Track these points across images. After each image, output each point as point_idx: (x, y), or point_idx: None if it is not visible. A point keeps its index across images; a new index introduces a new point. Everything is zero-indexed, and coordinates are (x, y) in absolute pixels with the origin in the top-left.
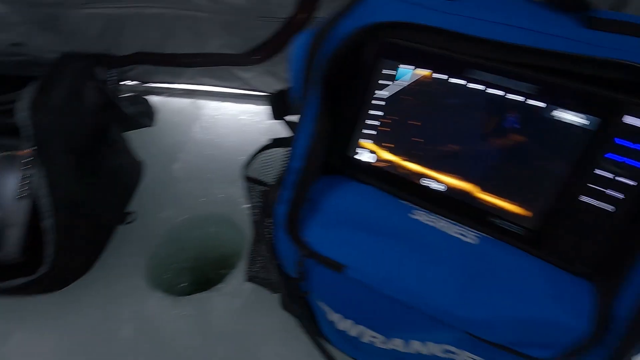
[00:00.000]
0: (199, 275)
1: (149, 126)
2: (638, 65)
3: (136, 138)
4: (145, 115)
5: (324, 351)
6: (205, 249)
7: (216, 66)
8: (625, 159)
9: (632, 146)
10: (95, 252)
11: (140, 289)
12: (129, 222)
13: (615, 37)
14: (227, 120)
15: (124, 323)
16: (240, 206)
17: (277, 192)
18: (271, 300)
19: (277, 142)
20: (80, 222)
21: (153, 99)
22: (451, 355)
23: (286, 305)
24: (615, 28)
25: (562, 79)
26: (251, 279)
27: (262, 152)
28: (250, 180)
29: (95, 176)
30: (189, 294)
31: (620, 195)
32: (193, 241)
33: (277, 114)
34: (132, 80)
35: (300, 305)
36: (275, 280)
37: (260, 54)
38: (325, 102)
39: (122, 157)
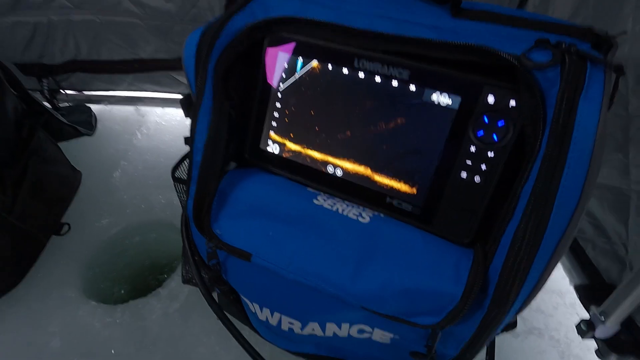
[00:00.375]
0: (138, 282)
1: (89, 135)
2: (489, 49)
3: (75, 147)
4: (84, 124)
5: (244, 346)
6: (145, 256)
7: (154, 72)
8: (485, 133)
9: (492, 122)
10: (23, 266)
11: (72, 300)
12: (63, 233)
13: (476, 24)
14: (172, 127)
15: (53, 336)
16: (181, 210)
17: (188, 187)
18: None
19: (188, 140)
20: (3, 234)
21: (94, 107)
22: (366, 335)
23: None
24: (479, 17)
25: (428, 64)
26: (188, 280)
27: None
28: (178, 181)
29: (19, 187)
30: (127, 301)
31: (484, 167)
32: (132, 248)
33: (188, 113)
34: (70, 90)
35: (231, 301)
36: (195, 274)
37: None
38: (219, 95)
39: (55, 167)
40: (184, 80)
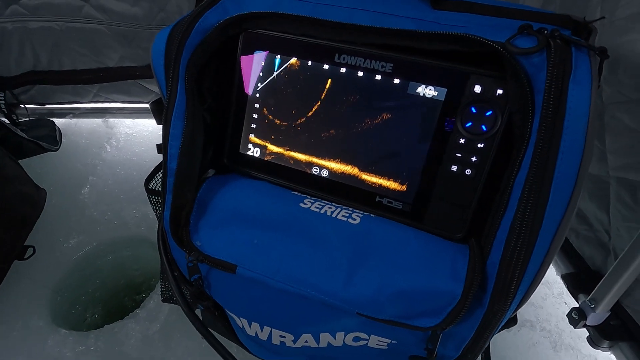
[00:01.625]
0: (113, 304)
1: (53, 151)
2: (473, 37)
3: (38, 164)
4: (47, 139)
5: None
6: (119, 275)
7: (122, 81)
8: (474, 124)
9: (480, 112)
10: None
11: (40, 329)
12: (27, 257)
13: (457, 15)
14: (143, 138)
15: None
16: (157, 224)
17: (164, 198)
18: None
19: (160, 148)
20: None
21: (58, 121)
22: (362, 342)
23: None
24: (459, 7)
25: (411, 55)
26: (168, 299)
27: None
28: (152, 193)
29: None
30: (101, 326)
31: (474, 159)
32: (105, 268)
33: (160, 119)
34: (30, 104)
35: (217, 317)
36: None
37: None
38: (192, 97)
39: (15, 186)
40: (154, 88)
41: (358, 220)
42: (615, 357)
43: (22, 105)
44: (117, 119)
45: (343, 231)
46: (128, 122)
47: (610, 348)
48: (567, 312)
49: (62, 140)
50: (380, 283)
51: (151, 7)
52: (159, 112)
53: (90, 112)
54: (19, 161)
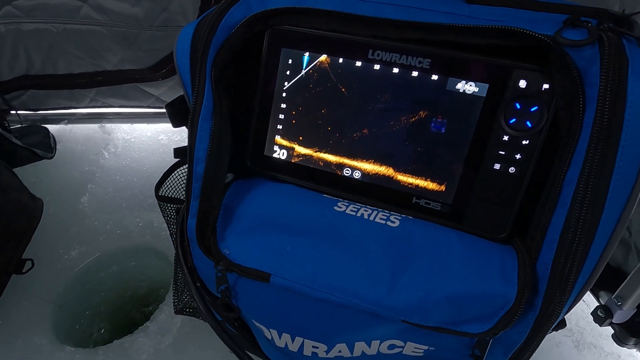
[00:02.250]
0: (120, 318)
1: (48, 158)
2: (520, 30)
3: (33, 173)
4: (42, 146)
5: None
6: (125, 287)
7: (120, 84)
8: (518, 120)
9: (524, 108)
10: None
11: (43, 347)
12: (25, 271)
13: (492, 9)
14: (142, 143)
15: None
16: (163, 232)
17: (188, 204)
18: (206, 331)
19: (179, 152)
20: None
21: (51, 127)
22: (397, 350)
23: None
24: (493, 1)
25: (450, 50)
26: (181, 310)
27: (178, 169)
28: (163, 200)
29: None
30: (110, 341)
31: (518, 156)
32: (109, 280)
33: (178, 122)
34: (21, 109)
35: (237, 328)
36: (200, 305)
37: (168, 66)
38: (219, 97)
39: (10, 195)
40: (154, 92)
41: (397, 222)
42: None
43: (13, 112)
44: (114, 124)
45: (382, 235)
46: (126, 127)
47: (635, 345)
48: (587, 310)
49: (57, 147)
50: (427, 289)
51: (152, 7)
52: (175, 114)
53: (86, 118)
54: (12, 170)
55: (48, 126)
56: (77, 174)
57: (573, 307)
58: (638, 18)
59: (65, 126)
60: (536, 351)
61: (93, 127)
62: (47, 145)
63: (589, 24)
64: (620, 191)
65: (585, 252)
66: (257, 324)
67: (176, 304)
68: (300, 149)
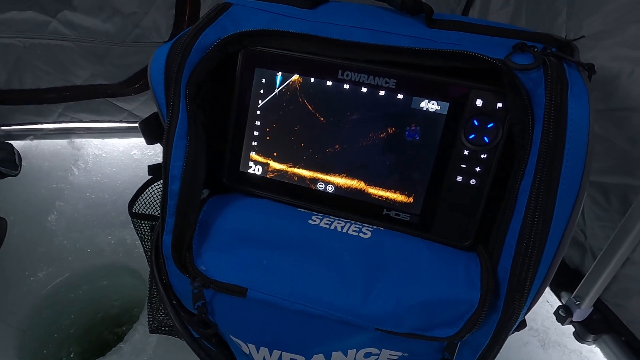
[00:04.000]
0: (91, 340)
1: (13, 176)
2: (476, 54)
3: None
4: (6, 164)
5: None
6: (96, 308)
7: (91, 99)
8: (476, 136)
9: (482, 125)
10: None
11: None
12: None
13: (451, 33)
14: (114, 158)
15: None
16: (136, 249)
17: (163, 221)
18: (183, 349)
19: (153, 169)
20: None
21: (16, 143)
22: (374, 358)
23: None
24: (452, 27)
25: (414, 72)
26: (156, 329)
27: (152, 185)
28: (137, 217)
29: None
30: None
31: (478, 169)
32: (80, 301)
33: (152, 139)
34: None
35: (214, 344)
36: (176, 322)
37: (141, 81)
38: (194, 115)
39: None
40: (127, 106)
41: (369, 234)
42: (600, 349)
43: None
44: (84, 140)
45: (355, 246)
46: (96, 142)
47: (594, 341)
48: (551, 311)
49: (22, 164)
50: (399, 296)
51: (124, 24)
52: (149, 131)
53: (54, 133)
54: None
55: (13, 142)
56: (44, 191)
57: (531, 308)
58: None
59: (32, 142)
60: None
61: (61, 142)
62: (11, 162)
63: (535, 49)
64: (566, 199)
65: (539, 256)
66: (234, 339)
67: (151, 322)
68: (275, 165)
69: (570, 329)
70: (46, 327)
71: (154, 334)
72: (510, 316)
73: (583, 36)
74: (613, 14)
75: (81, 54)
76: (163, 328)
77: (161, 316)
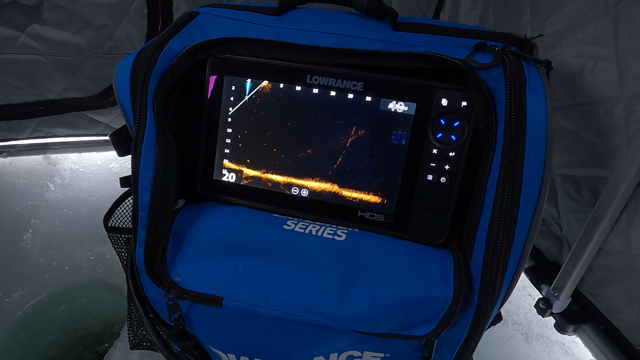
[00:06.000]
0: None
1: None
2: (438, 55)
3: None
4: None
5: None
6: (76, 327)
7: (65, 113)
8: (444, 134)
9: (448, 123)
10: None
11: None
12: None
13: (416, 35)
14: (92, 172)
15: None
16: (116, 264)
17: (135, 234)
18: None
19: (125, 181)
20: None
21: None
22: None
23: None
24: (417, 29)
25: (381, 74)
26: (137, 345)
27: (128, 197)
28: (112, 231)
29: None
30: None
31: (447, 167)
32: (57, 321)
33: (123, 150)
34: None
35: (196, 357)
36: (153, 336)
37: None
38: (163, 124)
39: None
40: (103, 119)
41: (344, 236)
42: (580, 339)
43: None
44: (60, 155)
45: (330, 249)
46: (73, 157)
47: (575, 332)
48: (533, 304)
49: None
50: (375, 297)
51: (97, 36)
52: (120, 143)
53: (28, 149)
54: None
55: None
56: (18, 209)
57: (506, 301)
58: (545, 41)
59: (5, 159)
60: (490, 347)
61: (36, 158)
62: None
63: (496, 48)
64: (531, 191)
65: (508, 249)
66: (214, 350)
67: (132, 338)
68: (249, 172)
69: (552, 321)
70: (22, 349)
71: (135, 350)
72: (484, 310)
73: (541, 34)
74: (574, 12)
75: (53, 68)
76: (144, 344)
77: (142, 332)
